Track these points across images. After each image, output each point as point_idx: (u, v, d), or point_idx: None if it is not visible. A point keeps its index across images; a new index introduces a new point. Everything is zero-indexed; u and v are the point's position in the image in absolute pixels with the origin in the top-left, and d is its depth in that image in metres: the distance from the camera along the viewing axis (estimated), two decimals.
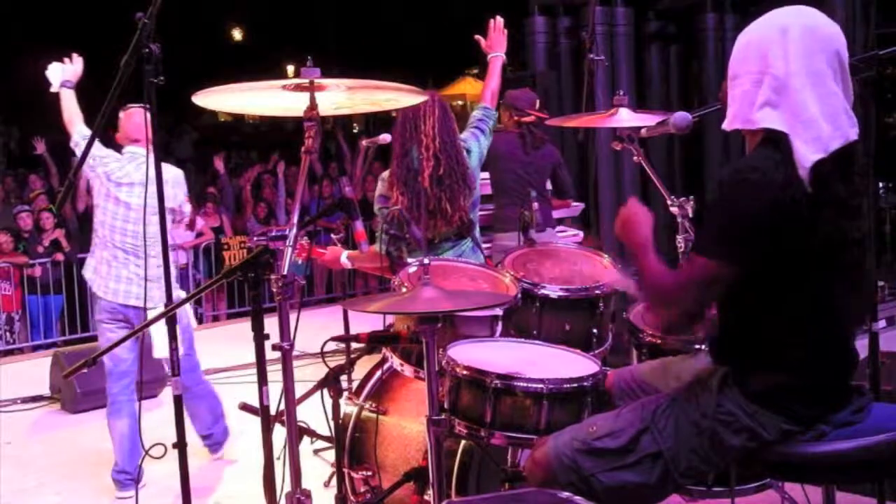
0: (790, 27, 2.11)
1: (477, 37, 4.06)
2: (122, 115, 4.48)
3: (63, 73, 4.43)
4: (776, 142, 2.09)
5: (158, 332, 4.20)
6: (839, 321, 2.18)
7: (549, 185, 5.75)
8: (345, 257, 3.79)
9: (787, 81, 2.09)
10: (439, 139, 3.60)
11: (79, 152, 4.37)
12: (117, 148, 4.52)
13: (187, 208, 4.77)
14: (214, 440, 4.81)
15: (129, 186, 4.36)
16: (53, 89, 4.44)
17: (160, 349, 4.20)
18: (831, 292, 2.13)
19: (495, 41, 4.00)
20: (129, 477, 4.36)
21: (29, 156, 14.17)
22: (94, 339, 8.43)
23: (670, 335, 2.84)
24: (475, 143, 3.84)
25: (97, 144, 4.36)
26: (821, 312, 2.14)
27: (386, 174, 3.73)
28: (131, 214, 4.35)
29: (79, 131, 4.42)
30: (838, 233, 2.10)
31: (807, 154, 2.06)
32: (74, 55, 4.45)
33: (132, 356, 4.41)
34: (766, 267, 2.10)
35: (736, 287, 2.19)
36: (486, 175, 5.24)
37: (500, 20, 4.01)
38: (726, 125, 2.23)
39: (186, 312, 4.72)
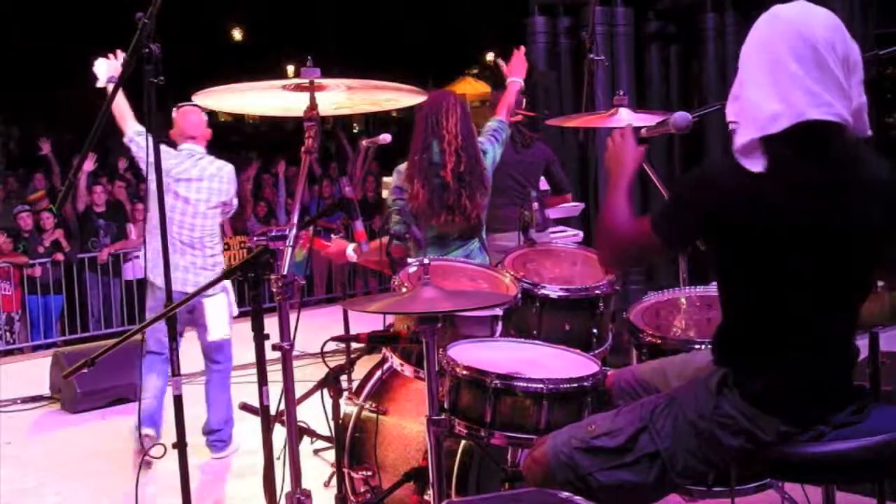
0: (759, 23, 2.13)
1: (500, 60, 4.31)
2: (175, 113, 4.69)
3: (109, 69, 4.48)
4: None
5: (214, 316, 4.57)
6: (838, 320, 2.17)
7: (544, 185, 5.76)
8: (351, 250, 3.81)
9: (742, 75, 2.12)
10: (461, 137, 3.68)
11: (134, 148, 4.54)
12: (170, 143, 4.70)
13: (235, 202, 4.98)
14: (220, 438, 4.82)
15: (186, 182, 4.60)
16: (100, 84, 4.51)
17: (215, 332, 4.58)
18: (828, 290, 2.11)
19: (516, 68, 4.24)
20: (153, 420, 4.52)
21: (29, 156, 14.19)
22: (93, 339, 8.48)
23: (603, 268, 2.94)
24: (490, 148, 3.92)
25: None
26: (819, 311, 2.12)
27: (403, 167, 3.78)
28: (189, 208, 4.60)
29: (131, 127, 4.54)
30: (816, 219, 2.05)
31: (740, 138, 2.07)
32: (118, 51, 4.47)
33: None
34: (762, 265, 2.09)
35: (737, 287, 2.19)
36: None
37: (522, 49, 4.30)
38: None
39: (231, 300, 4.80)
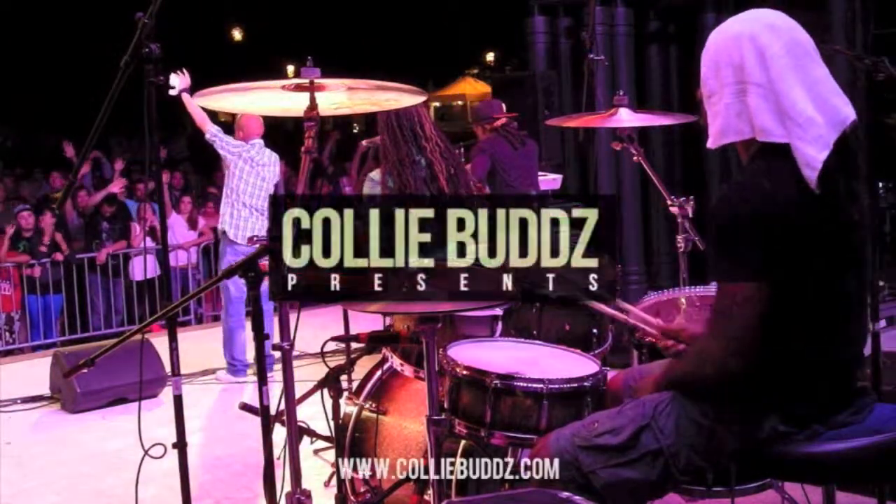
0: (756, 34, 2.12)
1: None
2: (240, 118, 6.03)
3: (181, 82, 5.68)
4: (775, 150, 2.07)
5: None
6: (844, 321, 2.15)
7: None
8: None
9: (774, 87, 2.08)
10: (440, 140, 3.59)
11: (217, 142, 5.96)
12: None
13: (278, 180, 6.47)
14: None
15: (261, 166, 6.14)
16: (173, 93, 5.59)
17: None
18: (837, 291, 2.10)
19: None
20: (243, 364, 6.11)
21: (27, 156, 14.19)
22: (93, 339, 8.48)
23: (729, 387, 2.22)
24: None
25: (233, 139, 6.02)
26: (826, 313, 2.11)
27: (375, 174, 3.70)
28: (263, 184, 6.13)
29: (210, 127, 5.92)
30: (843, 223, 2.06)
31: (814, 155, 2.03)
32: (184, 69, 5.74)
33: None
34: (774, 270, 2.08)
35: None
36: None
37: None
38: (713, 143, 2.22)
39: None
